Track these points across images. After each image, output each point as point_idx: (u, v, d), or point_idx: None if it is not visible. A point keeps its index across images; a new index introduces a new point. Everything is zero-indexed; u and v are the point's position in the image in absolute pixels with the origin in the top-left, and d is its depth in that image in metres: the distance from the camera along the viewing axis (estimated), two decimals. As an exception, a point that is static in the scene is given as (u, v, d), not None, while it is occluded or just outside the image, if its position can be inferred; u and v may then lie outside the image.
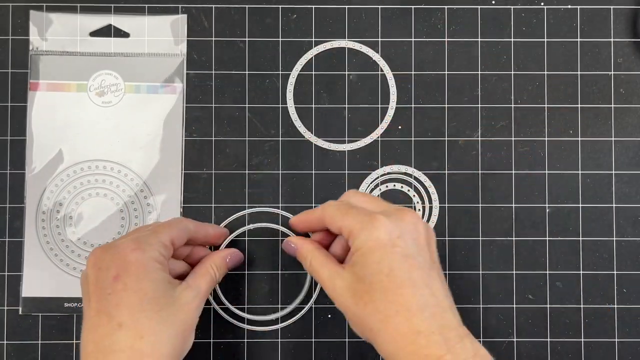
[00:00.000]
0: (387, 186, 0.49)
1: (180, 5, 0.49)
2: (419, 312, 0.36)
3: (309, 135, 0.49)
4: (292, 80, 0.49)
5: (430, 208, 0.48)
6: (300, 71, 0.49)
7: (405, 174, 0.48)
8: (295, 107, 0.49)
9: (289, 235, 0.46)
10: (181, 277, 0.42)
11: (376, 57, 0.49)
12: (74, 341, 0.48)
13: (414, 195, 0.48)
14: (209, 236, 0.45)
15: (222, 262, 0.44)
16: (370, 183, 0.48)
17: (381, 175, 0.49)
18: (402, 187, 0.48)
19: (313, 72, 0.49)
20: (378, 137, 0.49)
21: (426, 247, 0.39)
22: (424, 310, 0.36)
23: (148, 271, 0.38)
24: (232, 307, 0.47)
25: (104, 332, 0.37)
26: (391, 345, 0.36)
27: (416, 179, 0.49)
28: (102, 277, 0.38)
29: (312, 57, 0.49)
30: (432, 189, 0.48)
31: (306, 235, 0.45)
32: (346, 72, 0.49)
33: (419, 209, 0.48)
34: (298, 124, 0.49)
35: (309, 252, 0.42)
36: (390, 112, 0.49)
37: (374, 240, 0.38)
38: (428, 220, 0.48)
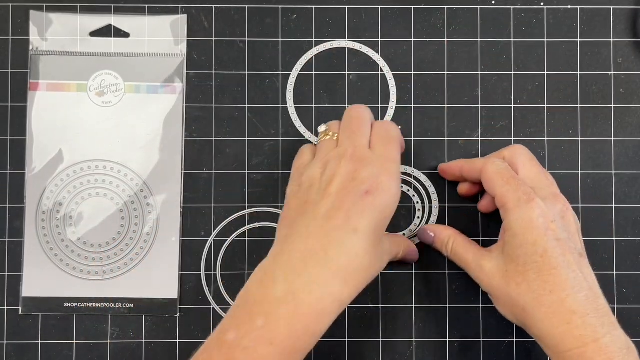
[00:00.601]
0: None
1: (180, 5, 0.49)
2: (574, 293, 0.37)
3: (309, 136, 0.49)
4: (292, 80, 0.49)
5: (430, 208, 0.48)
6: (300, 71, 0.49)
7: (405, 173, 0.48)
8: (295, 107, 0.49)
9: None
10: None
11: (376, 57, 0.49)
12: (74, 341, 0.48)
13: (413, 195, 0.48)
14: (409, 254, 0.47)
15: (409, 248, 0.46)
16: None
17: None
18: (401, 187, 0.48)
19: (313, 72, 0.49)
20: (378, 137, 0.49)
21: (576, 235, 0.40)
22: (579, 292, 0.37)
23: (394, 203, 0.40)
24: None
25: (337, 225, 0.38)
26: (545, 323, 0.38)
27: (416, 178, 0.49)
28: (353, 185, 0.39)
29: (312, 57, 0.49)
30: (432, 189, 0.48)
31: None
32: (346, 72, 0.49)
33: (419, 209, 0.48)
34: (298, 124, 0.49)
35: (449, 238, 0.44)
36: (390, 112, 0.49)
37: (529, 222, 0.39)
38: (428, 221, 0.48)
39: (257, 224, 0.48)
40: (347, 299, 0.38)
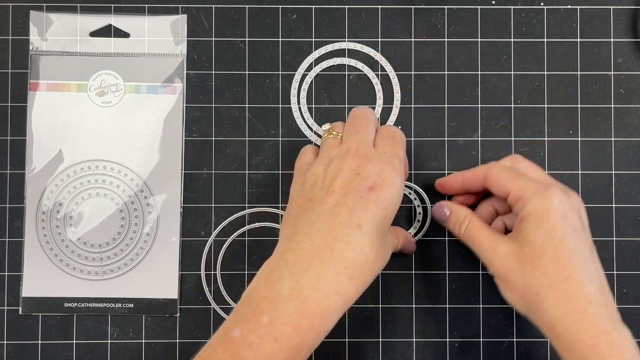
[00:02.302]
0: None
1: (180, 6, 0.49)
2: (590, 282, 0.37)
3: (309, 134, 0.49)
4: (297, 77, 0.49)
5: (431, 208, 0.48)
6: (303, 71, 0.49)
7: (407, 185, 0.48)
8: (299, 106, 0.49)
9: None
10: None
11: (378, 56, 0.49)
12: (74, 341, 0.48)
13: (415, 199, 0.48)
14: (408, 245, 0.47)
15: (405, 238, 0.45)
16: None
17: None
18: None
19: (313, 72, 0.49)
20: (378, 137, 0.49)
21: (588, 227, 0.41)
22: (593, 281, 0.37)
23: (398, 199, 0.40)
24: (233, 304, 0.47)
25: (342, 222, 0.38)
26: (559, 309, 0.37)
27: (417, 192, 0.49)
28: (357, 181, 0.39)
29: (312, 58, 0.49)
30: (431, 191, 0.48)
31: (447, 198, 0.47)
32: (346, 72, 0.49)
33: (420, 212, 0.48)
34: (309, 122, 0.49)
35: (465, 217, 0.43)
36: (395, 111, 0.49)
37: (550, 206, 0.38)
38: (426, 218, 0.48)
39: (257, 224, 0.48)
40: (354, 296, 0.38)
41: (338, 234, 0.38)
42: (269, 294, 0.37)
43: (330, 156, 0.41)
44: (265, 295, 0.37)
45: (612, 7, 0.49)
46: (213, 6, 0.49)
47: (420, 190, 0.48)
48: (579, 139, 0.49)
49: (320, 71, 0.49)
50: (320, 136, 0.49)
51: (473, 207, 0.47)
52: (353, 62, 0.49)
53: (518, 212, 0.40)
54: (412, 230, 0.48)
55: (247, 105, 0.49)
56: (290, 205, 0.41)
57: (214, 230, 0.48)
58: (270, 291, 0.37)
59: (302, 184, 0.41)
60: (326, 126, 0.45)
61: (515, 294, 0.40)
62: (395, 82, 0.49)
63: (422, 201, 0.48)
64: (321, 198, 0.39)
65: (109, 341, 0.48)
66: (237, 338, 0.36)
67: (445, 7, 0.49)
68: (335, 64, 0.49)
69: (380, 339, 0.48)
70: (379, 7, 0.49)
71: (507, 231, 0.45)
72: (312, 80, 0.49)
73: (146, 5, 0.49)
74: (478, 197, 0.46)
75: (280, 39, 0.49)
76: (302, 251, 0.37)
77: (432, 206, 0.47)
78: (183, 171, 0.49)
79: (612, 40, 0.49)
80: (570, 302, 0.37)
